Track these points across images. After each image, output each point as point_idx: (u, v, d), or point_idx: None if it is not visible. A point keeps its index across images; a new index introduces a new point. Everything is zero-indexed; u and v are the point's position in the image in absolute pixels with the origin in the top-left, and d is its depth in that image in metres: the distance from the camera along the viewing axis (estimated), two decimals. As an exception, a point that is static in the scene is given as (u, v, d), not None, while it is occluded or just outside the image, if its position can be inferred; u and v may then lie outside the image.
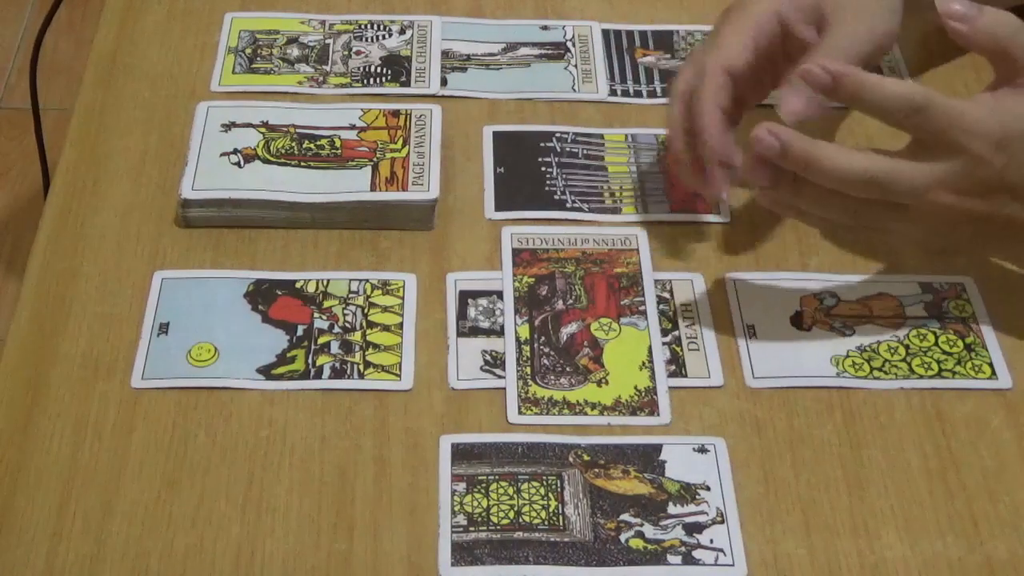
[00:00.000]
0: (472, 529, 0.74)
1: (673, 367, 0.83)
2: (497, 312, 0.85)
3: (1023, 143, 0.76)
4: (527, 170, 0.95)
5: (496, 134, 0.97)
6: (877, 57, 0.86)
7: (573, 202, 0.92)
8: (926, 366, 0.83)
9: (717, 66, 0.84)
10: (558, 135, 0.97)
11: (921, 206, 0.77)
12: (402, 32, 1.04)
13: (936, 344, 0.84)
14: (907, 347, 0.83)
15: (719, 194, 0.86)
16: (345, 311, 0.85)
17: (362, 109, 0.97)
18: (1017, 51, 0.77)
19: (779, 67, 0.86)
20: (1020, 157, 0.76)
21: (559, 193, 0.93)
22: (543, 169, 0.95)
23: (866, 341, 0.84)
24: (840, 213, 0.79)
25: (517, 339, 0.84)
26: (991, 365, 0.83)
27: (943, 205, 0.77)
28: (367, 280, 0.87)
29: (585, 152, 0.96)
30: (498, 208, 0.92)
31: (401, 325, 0.84)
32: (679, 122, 0.86)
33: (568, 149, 0.96)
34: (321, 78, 1.00)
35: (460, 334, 0.84)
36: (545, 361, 0.83)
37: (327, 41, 1.03)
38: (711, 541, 0.74)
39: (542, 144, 0.96)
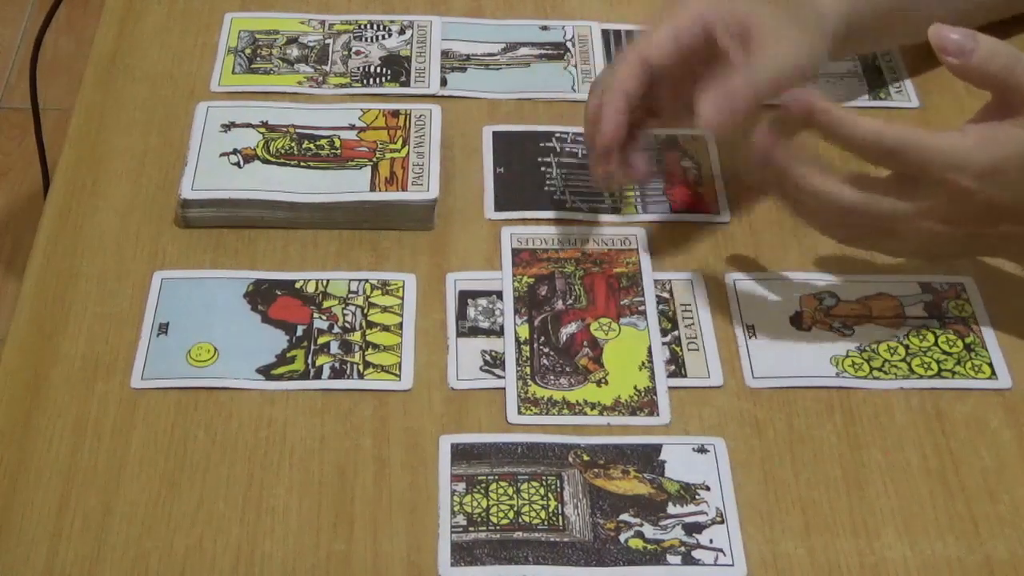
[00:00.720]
0: (472, 529, 0.74)
1: (673, 367, 0.83)
2: (497, 312, 0.85)
3: (1017, 173, 0.76)
4: (527, 170, 0.95)
5: (496, 134, 0.97)
6: (799, 83, 0.82)
7: (573, 202, 0.92)
8: (926, 366, 0.83)
9: (634, 54, 0.84)
10: (558, 135, 0.97)
11: (907, 231, 0.77)
12: (402, 32, 1.04)
13: (936, 344, 0.84)
14: (907, 347, 0.83)
15: (602, 179, 0.86)
16: (345, 311, 0.85)
17: (362, 109, 0.97)
18: (1017, 84, 0.76)
19: (697, 73, 0.83)
20: (1011, 185, 0.76)
21: (559, 193, 0.93)
22: (543, 169, 0.95)
23: (866, 341, 0.84)
24: (833, 229, 0.80)
25: (517, 339, 0.84)
26: (991, 365, 0.83)
27: (931, 231, 0.77)
28: (367, 280, 0.87)
29: (585, 152, 0.96)
30: (498, 208, 0.92)
31: (401, 325, 0.84)
32: (590, 110, 0.86)
33: (568, 149, 0.96)
34: (321, 78, 1.00)
35: (460, 334, 0.84)
36: (545, 361, 0.83)
37: (327, 41, 1.03)
38: (711, 541, 0.74)
39: (542, 144, 0.96)
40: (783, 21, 0.83)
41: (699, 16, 0.84)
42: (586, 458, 0.78)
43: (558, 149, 0.96)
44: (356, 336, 0.84)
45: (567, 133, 0.97)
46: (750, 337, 0.84)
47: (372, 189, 0.90)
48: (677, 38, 0.84)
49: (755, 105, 0.80)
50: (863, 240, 0.81)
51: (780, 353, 0.83)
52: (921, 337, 0.84)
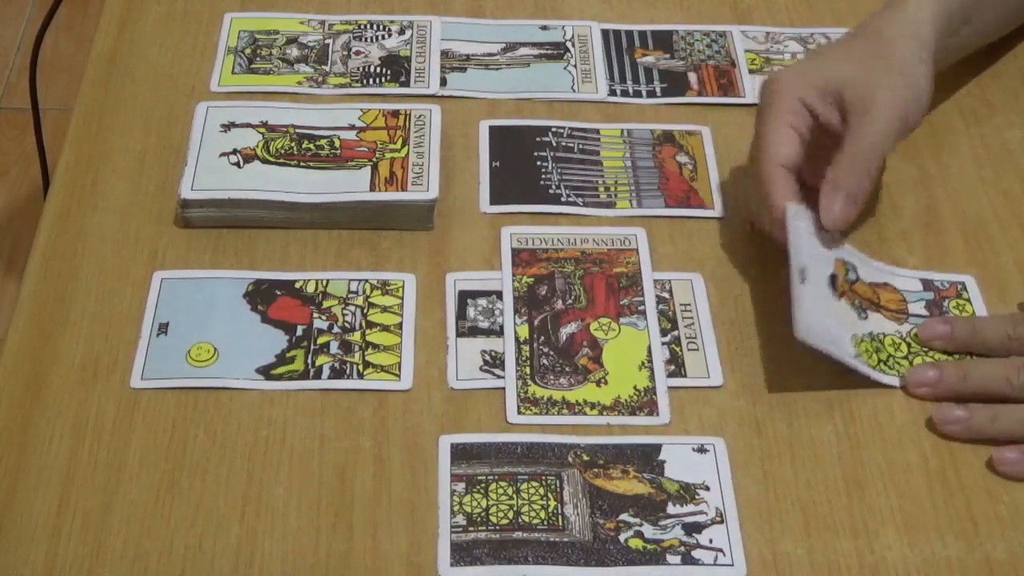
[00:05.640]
0: (471, 529, 0.74)
1: (672, 367, 0.83)
2: (496, 312, 0.85)
3: None
4: (523, 164, 0.95)
5: (492, 128, 0.97)
6: (907, 126, 0.86)
7: (568, 196, 0.92)
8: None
9: (771, 165, 0.85)
10: (554, 130, 0.97)
11: None
12: (401, 32, 1.04)
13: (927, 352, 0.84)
14: (908, 345, 0.83)
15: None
16: (344, 311, 0.85)
17: (361, 109, 0.97)
18: None
19: (826, 147, 0.86)
20: None
21: (554, 188, 0.93)
22: (539, 164, 0.95)
23: (876, 329, 0.83)
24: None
25: (516, 339, 0.84)
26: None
27: None
28: (366, 280, 0.87)
29: (581, 147, 0.96)
30: (493, 202, 0.92)
31: (400, 325, 0.84)
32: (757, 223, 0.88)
33: (564, 144, 0.96)
34: (320, 78, 1.00)
35: (459, 334, 0.84)
36: (544, 361, 0.83)
37: (326, 41, 1.03)
38: (710, 541, 0.74)
39: (538, 139, 0.96)
40: (875, 76, 0.84)
41: (798, 100, 0.85)
42: (586, 458, 0.78)
43: (554, 144, 0.96)
44: (356, 336, 0.84)
45: (563, 128, 0.97)
46: (802, 282, 0.82)
47: (372, 189, 0.90)
48: (795, 130, 0.85)
49: (871, 183, 0.84)
50: None
51: (821, 307, 0.82)
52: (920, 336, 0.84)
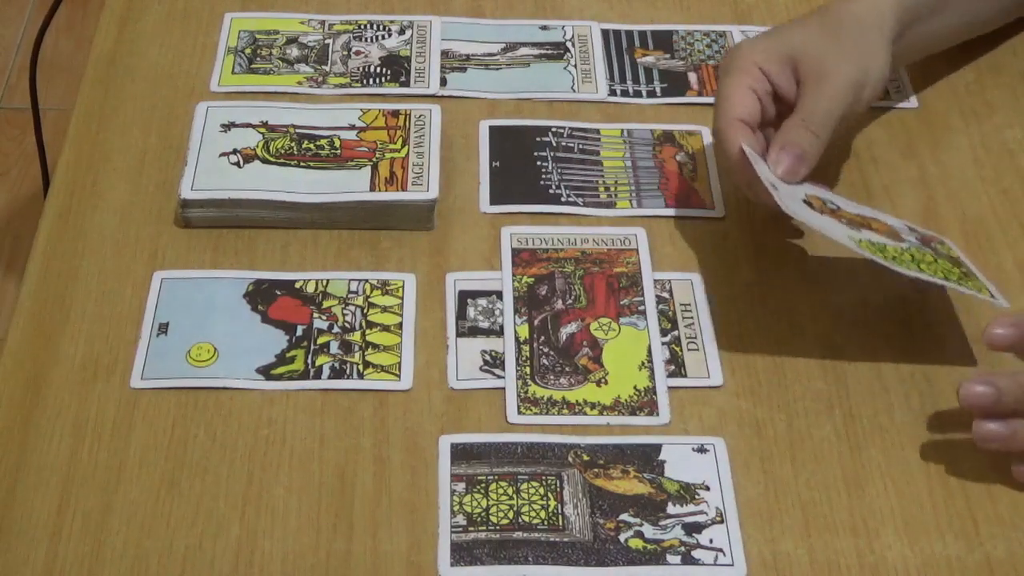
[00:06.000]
0: (471, 529, 0.74)
1: (672, 367, 0.83)
2: (496, 312, 0.85)
3: None
4: (523, 164, 0.95)
5: (492, 128, 0.97)
6: (862, 98, 0.87)
7: (568, 196, 0.92)
8: (934, 270, 0.81)
9: (727, 118, 0.86)
10: (554, 129, 0.97)
11: None
12: (402, 32, 1.04)
13: (937, 260, 0.83)
14: (912, 255, 0.82)
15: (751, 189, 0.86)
16: (344, 311, 0.85)
17: (361, 109, 0.97)
18: None
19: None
20: None
21: (554, 187, 0.93)
22: (539, 164, 0.95)
23: (874, 238, 0.83)
24: None
25: (516, 339, 0.84)
26: (989, 292, 0.82)
27: None
28: (366, 280, 0.87)
29: (581, 147, 0.96)
30: (493, 202, 0.92)
31: (400, 325, 0.84)
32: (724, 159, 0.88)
33: (564, 144, 0.96)
34: (321, 78, 1.00)
35: (459, 334, 0.84)
36: (544, 361, 0.83)
37: (327, 41, 1.03)
38: (710, 541, 0.74)
39: (538, 138, 0.96)
40: (829, 48, 0.86)
41: (757, 67, 0.87)
42: (586, 458, 0.78)
43: (554, 144, 0.96)
44: (356, 336, 0.84)
45: (563, 128, 0.97)
46: (776, 188, 0.82)
47: (372, 189, 0.90)
48: (756, 94, 0.86)
49: (820, 147, 0.85)
50: None
51: (804, 207, 0.83)
52: (923, 253, 0.83)
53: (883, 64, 0.88)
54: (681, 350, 0.84)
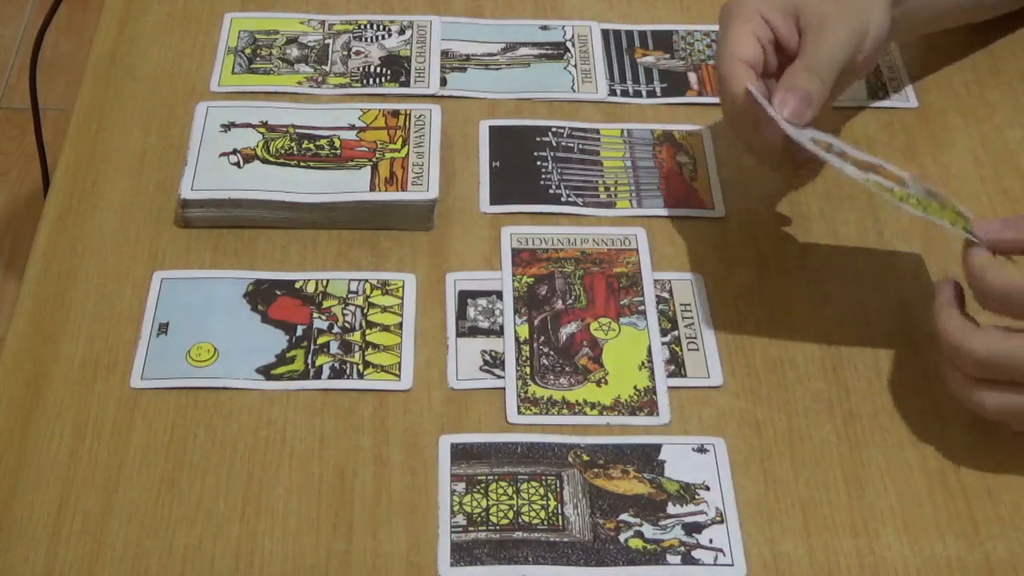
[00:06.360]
0: (471, 529, 0.74)
1: (672, 367, 0.83)
2: (496, 312, 0.85)
3: None
4: (523, 164, 0.95)
5: (492, 128, 0.97)
6: (860, 57, 0.86)
7: (568, 196, 0.92)
8: (940, 215, 0.79)
9: (735, 61, 0.85)
10: (554, 129, 0.97)
11: None
12: (401, 32, 1.04)
13: (944, 209, 0.80)
14: (919, 199, 0.80)
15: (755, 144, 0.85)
16: (344, 311, 0.85)
17: (361, 109, 0.97)
18: None
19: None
20: None
21: (554, 187, 0.93)
22: (538, 164, 0.95)
23: (882, 181, 0.81)
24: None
25: (516, 339, 0.84)
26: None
27: None
28: (366, 280, 0.87)
29: (581, 147, 0.96)
30: (493, 202, 0.92)
31: (400, 325, 0.84)
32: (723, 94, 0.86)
33: (564, 144, 0.96)
34: (320, 78, 1.00)
35: (459, 334, 0.84)
36: (544, 361, 0.83)
37: (327, 41, 1.03)
38: (710, 541, 0.74)
39: (538, 139, 0.96)
40: (830, 4, 0.85)
41: (756, 12, 0.86)
42: (586, 458, 0.78)
43: (554, 144, 0.96)
44: (356, 336, 0.84)
45: (563, 128, 0.97)
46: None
47: (372, 189, 0.90)
48: (759, 40, 0.86)
49: (824, 91, 0.83)
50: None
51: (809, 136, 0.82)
52: (928, 201, 0.81)
53: (882, 17, 0.87)
54: (681, 350, 0.84)
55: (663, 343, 0.84)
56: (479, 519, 0.75)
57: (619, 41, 1.05)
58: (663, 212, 0.92)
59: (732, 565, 0.73)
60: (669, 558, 0.73)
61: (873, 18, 0.87)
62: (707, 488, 0.77)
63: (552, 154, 0.95)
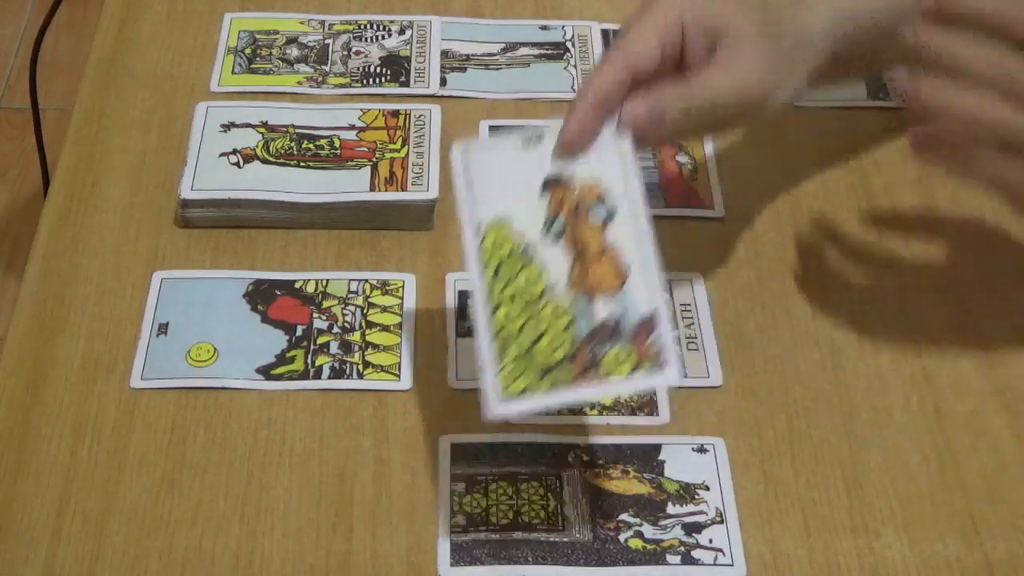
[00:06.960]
0: (471, 529, 0.74)
1: (672, 367, 0.83)
2: (496, 312, 0.85)
3: None
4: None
5: (492, 128, 0.97)
6: (745, 109, 0.77)
7: (570, 199, 0.92)
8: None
9: (620, 58, 0.76)
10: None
11: None
12: (401, 32, 1.04)
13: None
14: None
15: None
16: (344, 311, 0.85)
17: (361, 109, 0.97)
18: None
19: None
20: None
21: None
22: (539, 165, 0.95)
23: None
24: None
25: (516, 339, 0.83)
26: None
27: None
28: (366, 280, 0.87)
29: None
30: (493, 202, 0.92)
31: (400, 325, 0.84)
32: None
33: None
34: (320, 78, 1.00)
35: (459, 334, 0.84)
36: (544, 361, 0.82)
37: (326, 41, 1.03)
38: (710, 541, 0.74)
39: (538, 139, 0.96)
40: (754, 37, 0.77)
41: (678, 17, 0.77)
42: (586, 458, 0.78)
43: (556, 146, 0.96)
44: (356, 336, 0.84)
45: (564, 129, 0.97)
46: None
47: (372, 189, 0.90)
48: (662, 44, 0.76)
49: (681, 125, 0.76)
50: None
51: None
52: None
53: (794, 91, 0.78)
54: (681, 350, 0.84)
55: (663, 343, 0.84)
56: (479, 519, 0.75)
57: (619, 41, 1.04)
58: (663, 212, 0.92)
59: (732, 565, 0.73)
60: (669, 558, 0.74)
61: (787, 88, 0.77)
62: (707, 488, 0.77)
63: (552, 154, 0.95)
